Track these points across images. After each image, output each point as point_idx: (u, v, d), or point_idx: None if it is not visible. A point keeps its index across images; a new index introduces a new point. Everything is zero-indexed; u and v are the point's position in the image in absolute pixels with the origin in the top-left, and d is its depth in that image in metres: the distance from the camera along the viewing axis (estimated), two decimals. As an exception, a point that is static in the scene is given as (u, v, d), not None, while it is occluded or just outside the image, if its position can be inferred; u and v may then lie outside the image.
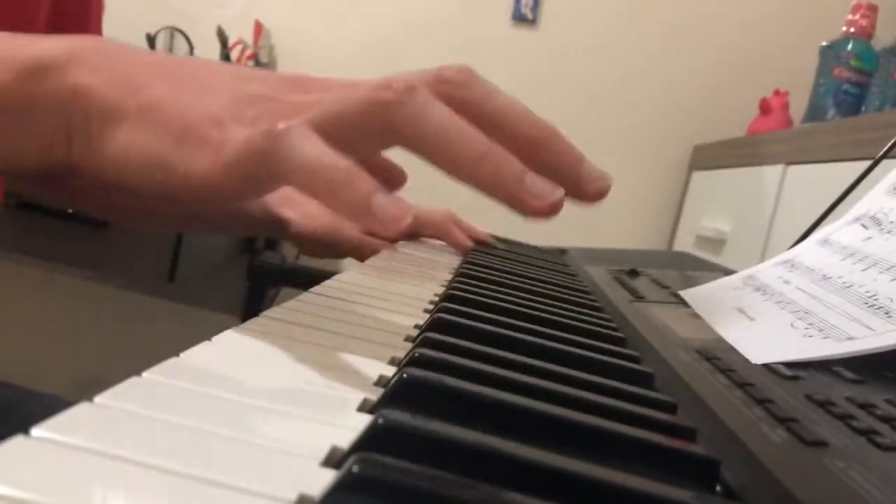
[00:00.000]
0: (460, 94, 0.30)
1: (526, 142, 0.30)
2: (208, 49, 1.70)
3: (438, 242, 0.72)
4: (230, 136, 0.28)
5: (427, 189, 0.68)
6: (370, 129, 0.29)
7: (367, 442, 0.19)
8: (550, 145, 0.31)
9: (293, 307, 0.33)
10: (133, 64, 0.31)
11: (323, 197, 0.26)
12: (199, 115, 0.29)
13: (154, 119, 0.29)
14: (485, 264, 0.54)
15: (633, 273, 0.60)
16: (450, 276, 0.51)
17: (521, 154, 0.29)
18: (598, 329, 0.38)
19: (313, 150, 0.26)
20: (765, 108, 1.56)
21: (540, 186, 0.28)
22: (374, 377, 0.26)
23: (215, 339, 0.27)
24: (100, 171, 0.30)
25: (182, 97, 0.29)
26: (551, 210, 0.28)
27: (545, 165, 0.30)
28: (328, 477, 0.17)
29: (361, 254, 0.66)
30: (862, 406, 0.26)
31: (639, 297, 0.49)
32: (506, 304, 0.39)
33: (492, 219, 0.68)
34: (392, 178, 0.41)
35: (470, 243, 0.70)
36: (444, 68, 0.31)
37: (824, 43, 1.35)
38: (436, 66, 0.31)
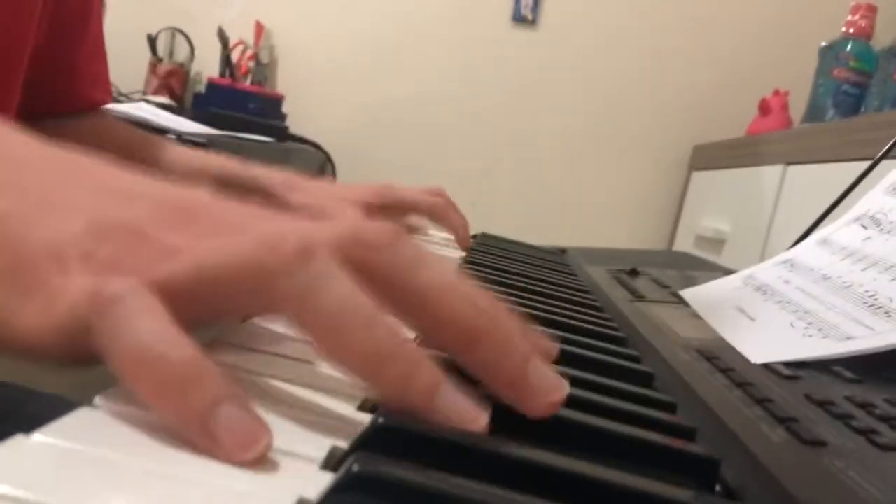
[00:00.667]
0: (378, 259, 0.23)
1: (456, 332, 0.22)
2: (209, 49, 1.70)
3: (433, 232, 0.71)
4: (67, 288, 0.21)
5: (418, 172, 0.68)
6: (242, 297, 0.21)
7: (367, 442, 0.19)
8: (489, 340, 0.22)
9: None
10: None
11: (147, 396, 0.18)
12: (41, 248, 0.21)
13: None
14: (485, 264, 0.54)
15: (634, 273, 0.60)
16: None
17: (448, 346, 0.23)
18: (599, 328, 0.38)
19: (144, 331, 0.19)
20: (764, 108, 1.56)
21: (456, 407, 0.21)
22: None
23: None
24: None
25: (28, 217, 0.22)
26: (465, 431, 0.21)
27: (481, 365, 0.22)
28: (328, 477, 0.17)
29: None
30: (861, 406, 0.26)
31: (639, 297, 0.49)
32: (506, 304, 0.39)
33: (492, 217, 0.68)
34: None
35: (463, 225, 0.66)
36: (365, 227, 0.23)
37: (824, 43, 1.35)
38: (354, 225, 0.23)
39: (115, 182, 0.24)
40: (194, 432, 0.18)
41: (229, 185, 0.61)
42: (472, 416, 0.21)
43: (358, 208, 0.59)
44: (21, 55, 0.53)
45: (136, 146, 0.66)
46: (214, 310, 0.22)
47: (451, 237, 0.67)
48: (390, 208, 0.63)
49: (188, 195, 0.24)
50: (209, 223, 0.23)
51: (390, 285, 0.22)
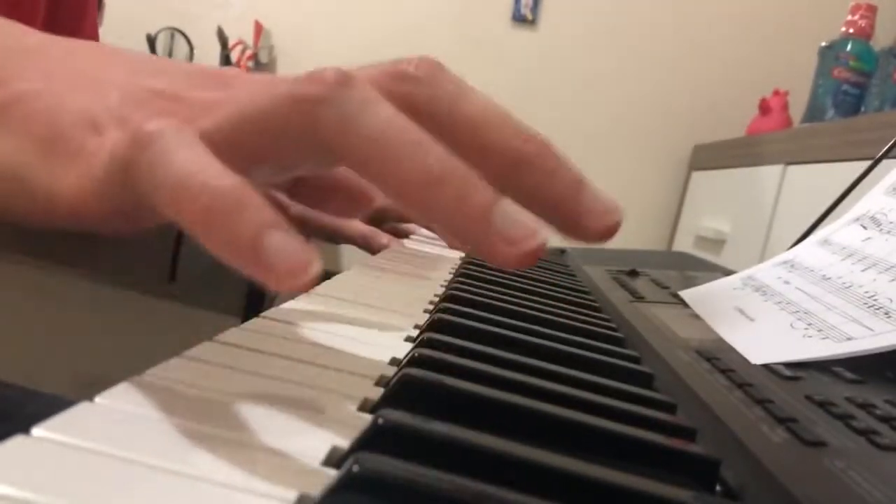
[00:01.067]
0: (422, 93, 0.22)
1: (505, 159, 0.21)
2: (208, 49, 1.70)
3: (431, 236, 0.71)
4: (104, 146, 0.21)
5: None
6: (288, 138, 0.21)
7: (368, 442, 0.19)
8: (539, 165, 0.21)
9: (293, 307, 0.33)
10: (20, 51, 0.24)
11: (192, 226, 0.18)
12: (75, 116, 0.22)
13: (17, 119, 0.22)
14: (485, 264, 0.54)
15: (633, 273, 0.60)
16: (450, 276, 0.51)
17: (496, 176, 0.21)
18: (598, 329, 0.38)
19: (188, 161, 0.18)
20: (764, 108, 1.56)
21: (514, 226, 0.19)
22: (375, 377, 0.26)
23: (216, 338, 0.27)
24: None
25: (60, 92, 0.23)
26: (523, 262, 0.19)
27: (530, 191, 0.21)
28: (328, 476, 0.17)
29: (369, 246, 0.59)
30: (861, 406, 0.26)
31: (638, 298, 0.49)
32: (505, 304, 0.39)
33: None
34: (353, 199, 0.31)
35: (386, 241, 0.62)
36: (403, 61, 0.23)
37: (823, 43, 1.35)
38: (392, 62, 0.23)
39: (145, 59, 0.25)
40: (245, 259, 0.18)
41: None
42: (530, 231, 0.19)
43: None
44: None
45: None
46: (260, 158, 0.21)
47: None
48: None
49: (219, 68, 0.25)
50: (244, 83, 0.23)
51: (434, 116, 0.22)
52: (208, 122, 0.20)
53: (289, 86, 0.21)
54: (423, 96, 0.22)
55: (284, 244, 0.17)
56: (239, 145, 0.20)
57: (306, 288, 0.18)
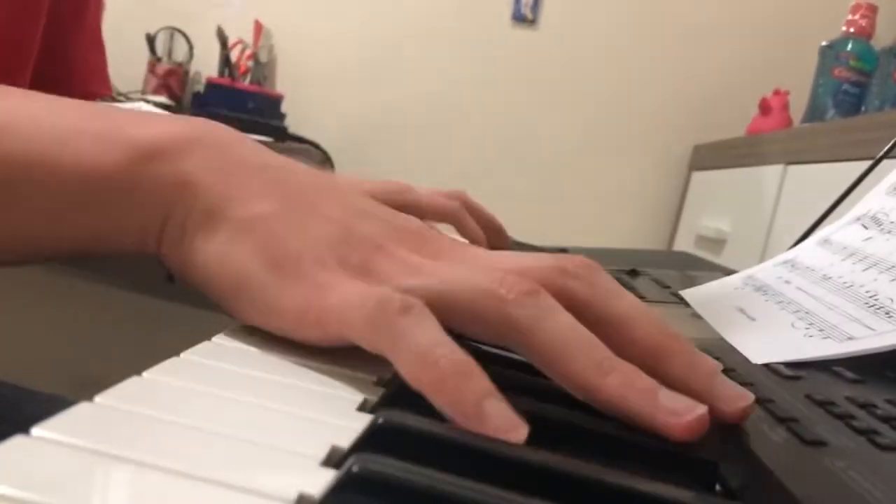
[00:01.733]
0: (582, 291, 0.27)
1: (650, 351, 0.26)
2: (208, 49, 1.70)
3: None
4: (335, 283, 0.26)
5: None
6: (485, 319, 0.25)
7: (368, 442, 0.19)
8: (679, 356, 0.26)
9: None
10: (248, 167, 0.29)
11: (428, 389, 0.22)
12: (304, 246, 0.26)
13: (257, 236, 0.27)
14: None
15: (634, 273, 0.60)
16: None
17: (641, 366, 0.25)
18: (598, 329, 0.38)
19: (429, 337, 0.23)
20: (764, 107, 1.56)
21: (677, 401, 0.23)
22: (375, 377, 0.26)
23: (215, 338, 0.27)
24: (184, 269, 0.28)
25: (291, 220, 0.27)
26: (692, 429, 0.23)
27: (671, 381, 0.25)
28: (328, 476, 0.17)
29: None
30: (862, 406, 0.26)
31: (639, 297, 0.49)
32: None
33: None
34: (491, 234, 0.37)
35: (482, 235, 0.65)
36: (567, 259, 0.28)
37: (824, 43, 1.35)
38: (559, 258, 0.28)
39: (354, 199, 0.30)
40: (468, 416, 0.21)
41: None
42: (692, 404, 0.23)
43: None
44: (29, 52, 0.53)
45: None
46: (447, 324, 0.24)
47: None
48: (404, 209, 0.62)
49: (411, 220, 0.30)
50: (434, 248, 0.28)
51: (591, 310, 0.26)
52: (416, 286, 0.25)
53: (484, 283, 0.25)
54: (582, 293, 0.27)
55: (499, 410, 0.21)
56: (435, 310, 0.24)
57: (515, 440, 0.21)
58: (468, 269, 0.27)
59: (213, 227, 0.27)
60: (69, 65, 0.63)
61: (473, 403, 0.21)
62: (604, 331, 0.25)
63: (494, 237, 0.64)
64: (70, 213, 0.28)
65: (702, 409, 0.23)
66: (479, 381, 0.22)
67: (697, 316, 0.43)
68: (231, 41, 1.67)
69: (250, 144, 0.30)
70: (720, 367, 0.26)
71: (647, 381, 0.24)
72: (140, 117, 0.30)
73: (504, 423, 0.21)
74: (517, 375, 0.26)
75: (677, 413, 0.23)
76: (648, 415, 0.23)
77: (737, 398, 0.24)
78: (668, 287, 0.52)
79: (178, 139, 0.28)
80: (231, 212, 0.27)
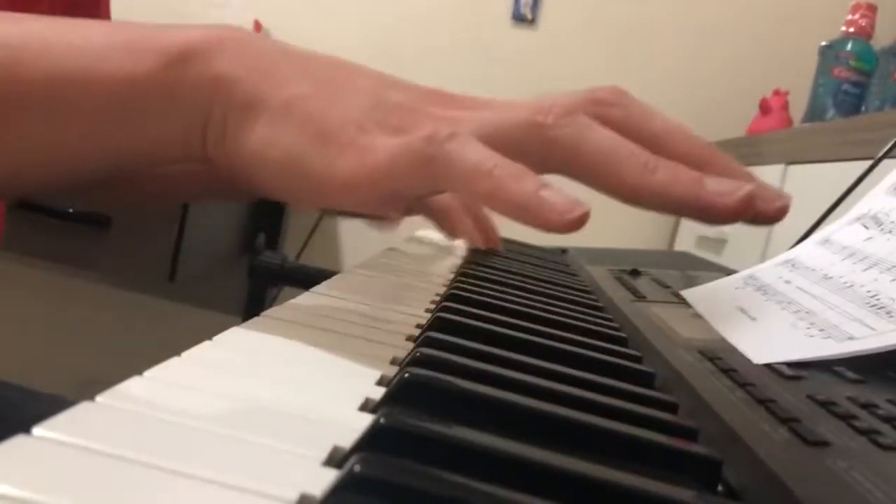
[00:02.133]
0: (617, 114, 0.29)
1: (689, 161, 0.28)
2: (208, 49, 1.70)
3: (437, 236, 0.70)
4: (379, 143, 0.27)
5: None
6: (528, 150, 0.27)
7: (369, 442, 0.19)
8: (717, 164, 0.28)
9: (294, 307, 0.33)
10: (275, 57, 0.30)
11: (489, 198, 0.25)
12: (343, 117, 0.28)
13: (297, 116, 0.28)
14: (486, 264, 0.54)
15: (635, 273, 0.60)
16: (451, 276, 0.51)
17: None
18: (600, 329, 0.38)
19: (479, 153, 0.25)
20: (764, 107, 1.56)
21: (723, 183, 0.26)
22: (376, 377, 0.26)
23: (216, 338, 0.27)
24: (231, 163, 0.29)
25: (326, 97, 0.29)
26: (743, 206, 0.26)
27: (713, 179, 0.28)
28: (330, 477, 0.17)
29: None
30: (864, 406, 0.26)
31: (640, 297, 0.49)
32: (507, 304, 0.39)
33: (492, 217, 0.67)
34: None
35: (476, 237, 0.61)
36: (597, 90, 0.29)
37: (824, 43, 1.35)
38: (590, 90, 0.29)
39: (380, 74, 0.31)
40: (530, 208, 0.24)
41: None
42: (735, 185, 0.26)
43: None
44: None
45: None
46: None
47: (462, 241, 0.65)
48: None
49: (437, 89, 0.31)
50: (468, 102, 0.29)
51: (627, 130, 0.28)
52: (459, 130, 0.26)
53: (524, 113, 0.27)
54: (618, 116, 0.29)
55: (557, 195, 0.25)
56: (492, 148, 0.26)
57: (578, 225, 0.25)
58: (507, 108, 0.28)
59: (253, 116, 0.28)
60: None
61: (533, 193, 0.24)
62: (645, 147, 0.28)
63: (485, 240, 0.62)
64: (113, 122, 0.29)
65: (748, 188, 0.26)
66: (533, 178, 0.25)
67: (698, 316, 0.43)
68: (231, 41, 1.67)
69: (271, 39, 0.32)
70: (755, 174, 0.29)
71: (692, 173, 0.27)
72: (166, 27, 0.31)
73: (564, 204, 0.24)
74: (519, 376, 0.26)
75: (723, 193, 0.26)
76: (699, 199, 0.26)
77: (776, 197, 0.28)
78: (669, 287, 0.52)
79: (206, 41, 0.29)
80: (267, 99, 0.28)
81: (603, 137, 0.27)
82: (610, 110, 0.29)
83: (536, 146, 0.27)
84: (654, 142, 0.28)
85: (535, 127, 0.27)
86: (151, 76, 0.29)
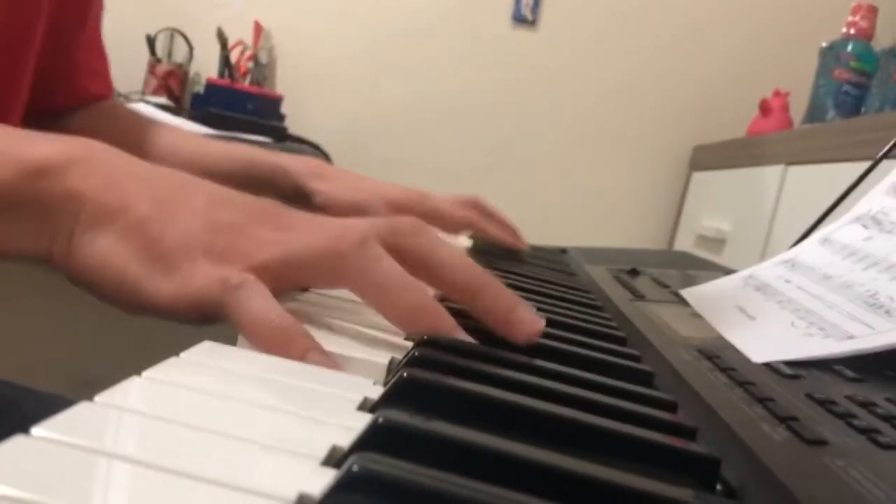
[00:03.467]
0: (409, 243, 0.33)
1: (464, 290, 0.33)
2: (207, 50, 1.70)
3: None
4: (198, 272, 0.30)
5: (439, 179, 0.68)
6: (320, 274, 0.31)
7: (367, 441, 0.19)
8: (487, 293, 0.32)
9: (294, 307, 0.33)
10: (123, 174, 0.33)
11: (262, 343, 0.28)
12: (175, 241, 0.31)
13: (135, 237, 0.31)
14: (485, 264, 0.54)
15: (634, 272, 0.60)
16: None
17: (460, 300, 0.33)
18: (599, 328, 0.38)
19: (260, 305, 0.29)
20: (765, 108, 1.56)
21: (462, 338, 0.31)
22: (375, 376, 0.26)
23: (215, 339, 0.27)
24: (73, 270, 0.32)
25: (163, 218, 0.32)
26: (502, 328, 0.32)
27: (482, 311, 0.32)
28: (328, 476, 0.17)
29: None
30: (862, 405, 0.26)
31: (639, 297, 0.49)
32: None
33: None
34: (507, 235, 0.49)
35: (503, 236, 0.66)
36: (397, 220, 0.34)
37: (824, 44, 1.35)
38: (390, 219, 0.34)
39: (217, 191, 0.34)
40: (292, 357, 0.27)
41: (256, 173, 0.62)
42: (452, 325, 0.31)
43: (390, 209, 0.62)
44: (28, 56, 0.53)
45: (148, 137, 0.66)
46: (298, 283, 0.33)
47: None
48: (424, 217, 0.62)
49: (267, 202, 0.34)
50: (287, 222, 0.33)
51: (417, 261, 0.32)
52: (266, 259, 0.31)
53: (324, 242, 0.31)
54: (410, 245, 0.33)
55: (319, 359, 0.28)
56: (283, 275, 0.31)
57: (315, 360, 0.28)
58: (313, 234, 0.32)
59: (96, 231, 0.31)
60: (71, 69, 0.63)
61: (301, 352, 0.27)
62: (431, 277, 0.33)
63: (511, 239, 0.65)
64: None
65: (502, 321, 0.31)
66: (300, 340, 0.28)
67: (697, 315, 0.43)
68: (231, 42, 1.68)
69: (126, 157, 0.34)
70: (521, 301, 0.33)
71: (447, 323, 0.31)
72: (29, 138, 0.34)
73: (323, 363, 0.27)
74: (518, 375, 0.26)
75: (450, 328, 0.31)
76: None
77: (529, 323, 0.32)
78: (669, 286, 0.52)
79: (63, 157, 0.32)
80: (111, 217, 0.31)
81: (384, 271, 0.30)
82: (404, 239, 0.32)
83: (328, 271, 0.31)
84: (439, 271, 0.33)
85: (330, 255, 0.31)
86: (9, 186, 0.31)
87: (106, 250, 0.31)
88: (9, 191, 0.32)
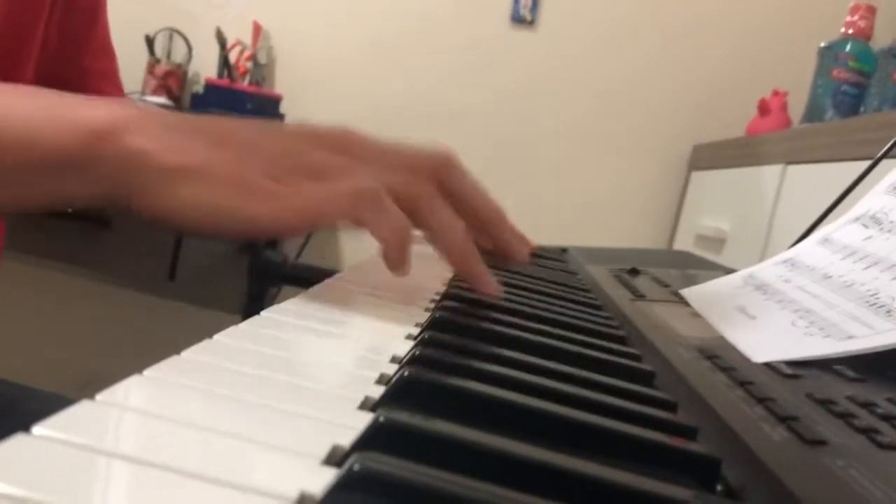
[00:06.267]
0: (444, 179, 0.39)
1: (486, 220, 0.42)
2: (207, 50, 1.70)
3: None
4: (294, 191, 0.34)
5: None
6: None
7: (369, 440, 0.19)
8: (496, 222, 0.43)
9: (294, 306, 0.33)
10: (174, 128, 0.35)
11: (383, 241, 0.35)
12: (250, 169, 0.34)
13: (214, 176, 0.34)
14: (485, 263, 0.54)
15: (634, 272, 0.60)
16: (451, 275, 0.51)
17: (474, 228, 0.40)
18: (599, 327, 0.38)
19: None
20: (764, 108, 1.56)
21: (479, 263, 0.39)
22: (376, 375, 0.26)
23: (216, 337, 0.27)
24: (162, 219, 0.35)
25: (235, 158, 0.35)
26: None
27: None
28: (329, 475, 0.17)
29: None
30: (862, 405, 0.26)
31: (639, 296, 0.49)
32: (506, 303, 0.39)
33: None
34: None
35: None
36: (432, 162, 0.39)
37: (823, 44, 1.35)
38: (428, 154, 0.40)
39: (256, 126, 0.38)
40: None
41: None
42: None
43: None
44: (28, 53, 0.53)
45: None
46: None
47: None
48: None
49: (299, 128, 0.39)
50: (343, 146, 0.37)
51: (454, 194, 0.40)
52: (369, 180, 0.36)
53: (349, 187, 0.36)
54: (445, 181, 0.39)
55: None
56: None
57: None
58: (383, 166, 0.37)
59: (171, 182, 0.34)
60: (82, 73, 0.64)
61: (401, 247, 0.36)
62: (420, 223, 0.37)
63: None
64: (45, 183, 0.35)
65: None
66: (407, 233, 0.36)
67: (697, 315, 0.43)
68: (230, 42, 1.67)
69: (178, 114, 0.37)
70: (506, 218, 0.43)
71: (470, 246, 0.39)
72: (82, 102, 0.36)
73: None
74: (519, 375, 0.26)
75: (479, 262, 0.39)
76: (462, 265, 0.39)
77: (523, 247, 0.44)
78: (669, 286, 0.52)
79: (111, 120, 0.34)
80: (181, 165, 0.34)
81: (392, 225, 0.36)
82: (441, 175, 0.39)
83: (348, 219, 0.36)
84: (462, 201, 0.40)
85: (352, 205, 0.36)
86: (73, 150, 0.34)
87: (190, 195, 0.33)
88: (74, 154, 0.34)
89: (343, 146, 0.37)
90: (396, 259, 0.36)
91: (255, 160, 0.35)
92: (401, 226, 0.35)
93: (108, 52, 0.68)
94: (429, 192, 0.37)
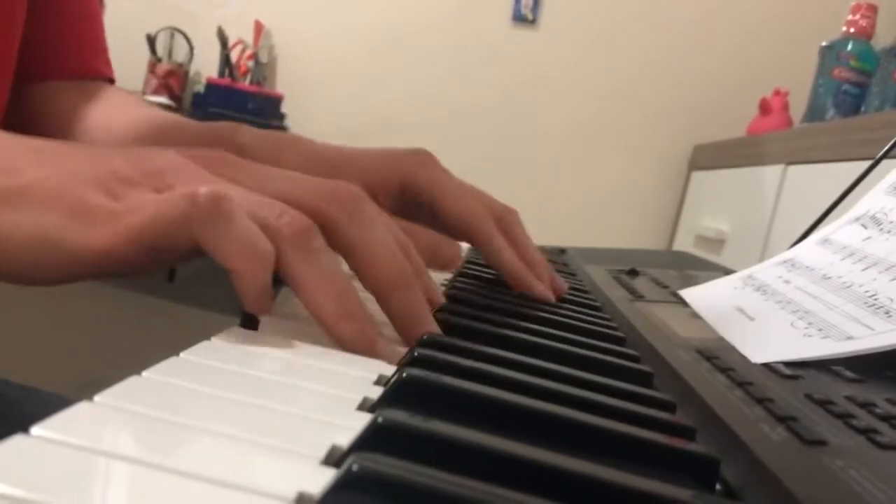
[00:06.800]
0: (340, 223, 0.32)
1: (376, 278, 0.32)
2: (208, 49, 1.70)
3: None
4: (140, 201, 0.28)
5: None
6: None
7: (367, 441, 0.19)
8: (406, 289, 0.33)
9: (293, 307, 0.33)
10: (9, 149, 0.31)
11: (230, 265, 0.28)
12: (84, 190, 0.28)
13: (38, 198, 0.28)
14: (484, 265, 0.54)
15: (633, 272, 0.60)
16: (450, 276, 0.51)
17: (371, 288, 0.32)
18: (598, 328, 0.38)
19: (246, 226, 0.28)
20: (764, 108, 1.56)
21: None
22: (374, 376, 0.26)
23: (215, 338, 0.27)
24: None
25: (61, 176, 0.29)
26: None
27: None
28: (328, 475, 0.17)
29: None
30: (862, 405, 0.26)
31: (638, 297, 0.49)
32: (505, 304, 0.39)
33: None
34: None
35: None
36: (336, 193, 0.33)
37: (824, 43, 1.35)
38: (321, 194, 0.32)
39: (86, 149, 0.33)
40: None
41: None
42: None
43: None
44: (16, 21, 0.53)
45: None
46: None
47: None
48: None
49: (149, 156, 0.32)
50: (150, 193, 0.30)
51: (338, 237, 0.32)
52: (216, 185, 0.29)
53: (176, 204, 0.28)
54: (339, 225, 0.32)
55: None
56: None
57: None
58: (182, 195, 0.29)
59: None
60: (59, 36, 0.61)
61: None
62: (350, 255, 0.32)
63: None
64: None
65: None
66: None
67: (696, 315, 0.43)
68: (231, 41, 1.68)
69: (12, 134, 0.32)
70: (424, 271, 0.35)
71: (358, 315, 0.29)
72: None
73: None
74: (518, 375, 0.26)
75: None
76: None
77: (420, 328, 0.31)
78: (668, 287, 0.52)
79: None
80: (4, 186, 0.28)
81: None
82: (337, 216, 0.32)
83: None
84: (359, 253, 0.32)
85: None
86: None
87: (9, 219, 0.28)
88: None
89: (217, 166, 0.31)
90: (253, 294, 0.28)
91: (89, 173, 0.29)
92: (255, 248, 0.28)
93: (86, 18, 0.64)
94: (303, 226, 0.30)
